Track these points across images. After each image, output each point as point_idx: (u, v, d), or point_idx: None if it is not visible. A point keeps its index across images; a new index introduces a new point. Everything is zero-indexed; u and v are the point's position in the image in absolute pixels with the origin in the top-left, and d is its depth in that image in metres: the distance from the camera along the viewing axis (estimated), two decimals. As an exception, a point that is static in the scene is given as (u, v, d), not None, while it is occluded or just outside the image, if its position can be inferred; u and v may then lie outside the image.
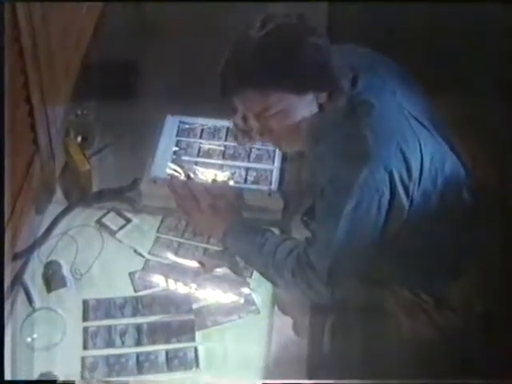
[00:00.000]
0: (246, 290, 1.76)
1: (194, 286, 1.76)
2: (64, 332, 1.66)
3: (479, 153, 1.91)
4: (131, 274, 1.77)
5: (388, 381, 1.42)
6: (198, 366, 1.64)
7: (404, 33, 2.50)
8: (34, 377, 1.57)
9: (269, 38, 1.46)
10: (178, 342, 1.67)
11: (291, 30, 1.49)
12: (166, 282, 1.77)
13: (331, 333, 1.75)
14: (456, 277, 1.71)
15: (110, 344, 1.66)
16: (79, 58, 1.86)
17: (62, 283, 1.75)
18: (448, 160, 1.63)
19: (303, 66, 1.46)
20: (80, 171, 1.89)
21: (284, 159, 1.97)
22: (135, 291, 1.75)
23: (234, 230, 1.74)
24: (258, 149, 1.98)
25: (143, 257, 1.81)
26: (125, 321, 1.70)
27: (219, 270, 1.79)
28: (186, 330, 1.69)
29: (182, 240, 1.85)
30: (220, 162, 1.97)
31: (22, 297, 1.72)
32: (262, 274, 1.71)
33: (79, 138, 1.96)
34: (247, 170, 1.96)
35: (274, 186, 1.91)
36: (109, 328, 1.68)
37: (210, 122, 2.05)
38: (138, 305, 1.73)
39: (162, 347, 1.66)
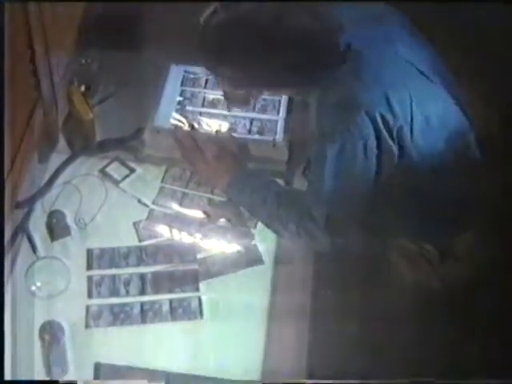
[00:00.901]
0: (250, 241, 1.76)
1: (198, 236, 1.76)
2: (68, 281, 1.67)
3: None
4: (135, 224, 1.77)
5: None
6: (201, 315, 1.65)
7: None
8: (37, 325, 1.59)
9: (239, 18, 1.47)
10: (182, 291, 1.68)
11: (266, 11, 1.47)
12: (171, 231, 1.77)
13: (333, 283, 1.76)
14: (463, 227, 1.70)
15: (114, 293, 1.67)
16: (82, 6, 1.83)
17: (66, 232, 1.75)
18: (452, 112, 1.62)
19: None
20: (83, 120, 1.87)
21: (289, 110, 1.95)
22: (139, 241, 1.75)
23: (238, 181, 1.74)
24: (264, 99, 1.95)
25: (147, 206, 1.81)
26: (129, 270, 1.71)
27: (223, 221, 1.79)
28: (189, 280, 1.70)
29: (186, 190, 1.85)
30: (224, 112, 1.95)
31: (25, 245, 1.72)
32: (266, 225, 1.71)
33: (83, 87, 1.94)
34: (252, 120, 1.94)
35: (278, 137, 1.90)
36: (113, 277, 1.69)
37: (215, 72, 2.03)
38: (142, 254, 1.73)
39: (165, 297, 1.67)
